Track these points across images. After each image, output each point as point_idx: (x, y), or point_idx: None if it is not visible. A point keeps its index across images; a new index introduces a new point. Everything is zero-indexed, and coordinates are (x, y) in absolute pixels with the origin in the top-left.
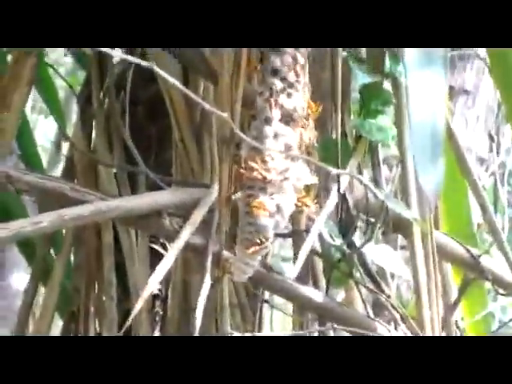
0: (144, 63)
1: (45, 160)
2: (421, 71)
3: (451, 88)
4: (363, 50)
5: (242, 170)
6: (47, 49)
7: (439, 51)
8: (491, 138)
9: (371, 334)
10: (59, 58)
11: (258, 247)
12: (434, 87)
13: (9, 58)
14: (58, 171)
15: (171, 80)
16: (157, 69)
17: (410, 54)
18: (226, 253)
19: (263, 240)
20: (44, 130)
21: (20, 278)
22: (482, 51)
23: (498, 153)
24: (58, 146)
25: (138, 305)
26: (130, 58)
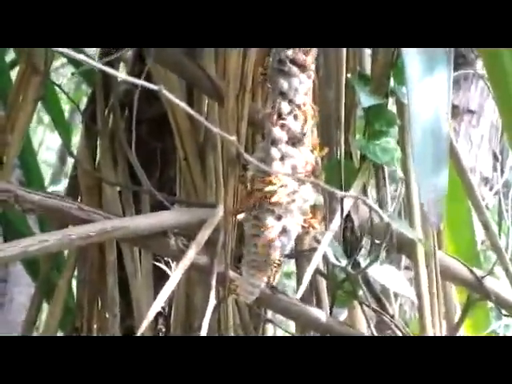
0: (152, 86)
1: (49, 175)
2: (423, 77)
3: (456, 107)
4: (367, 71)
5: (248, 192)
6: (54, 64)
7: (442, 59)
8: (495, 157)
9: None
10: (65, 72)
11: (266, 271)
12: (437, 93)
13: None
14: (62, 186)
15: (179, 103)
16: (165, 91)
17: (413, 61)
18: (231, 273)
19: (271, 262)
20: (49, 144)
21: (24, 293)
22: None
23: (502, 172)
24: (62, 161)
25: (143, 326)
26: (136, 81)
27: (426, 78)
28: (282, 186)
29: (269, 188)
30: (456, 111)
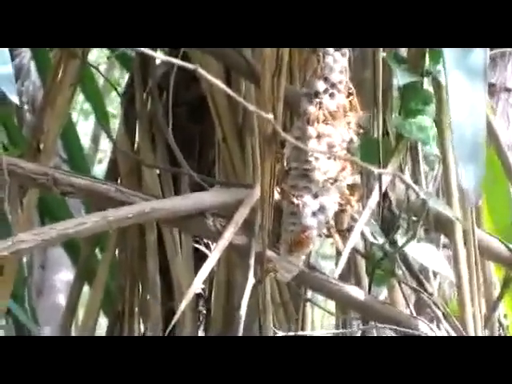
0: (188, 65)
1: None
2: (460, 70)
3: (493, 86)
4: (403, 50)
5: (285, 170)
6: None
7: (479, 51)
8: None
9: (413, 333)
10: (98, 59)
11: (302, 246)
12: (474, 85)
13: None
14: (94, 173)
15: (215, 82)
16: (201, 71)
17: (450, 54)
18: (269, 252)
19: (307, 239)
20: (81, 129)
21: (62, 279)
22: None
23: None
24: (95, 146)
25: (182, 305)
26: (174, 60)
27: (463, 63)
28: (317, 164)
29: (305, 166)
30: (493, 89)
